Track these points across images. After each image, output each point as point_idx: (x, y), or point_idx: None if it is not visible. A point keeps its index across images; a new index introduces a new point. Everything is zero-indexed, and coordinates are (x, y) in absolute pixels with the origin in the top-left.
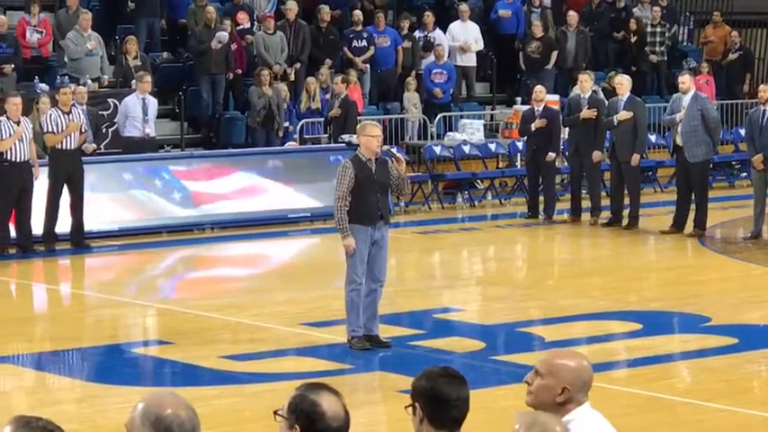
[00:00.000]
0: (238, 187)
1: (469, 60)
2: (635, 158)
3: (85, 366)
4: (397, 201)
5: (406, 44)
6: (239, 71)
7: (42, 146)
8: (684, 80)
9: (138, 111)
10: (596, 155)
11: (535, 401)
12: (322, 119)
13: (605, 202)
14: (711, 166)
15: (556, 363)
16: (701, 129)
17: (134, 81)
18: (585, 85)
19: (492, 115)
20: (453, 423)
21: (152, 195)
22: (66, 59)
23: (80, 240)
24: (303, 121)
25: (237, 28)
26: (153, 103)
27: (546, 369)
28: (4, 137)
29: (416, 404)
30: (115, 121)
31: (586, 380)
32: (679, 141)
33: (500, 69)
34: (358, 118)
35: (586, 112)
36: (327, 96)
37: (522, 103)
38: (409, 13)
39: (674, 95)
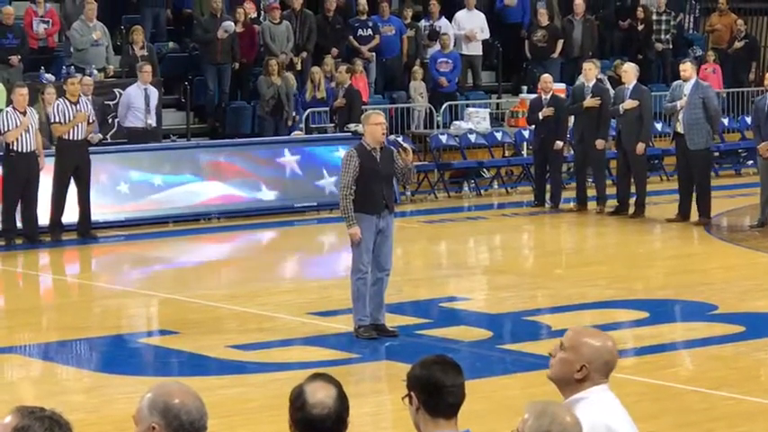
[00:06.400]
0: (244, 177)
1: (475, 49)
2: (640, 147)
3: (92, 356)
4: (404, 189)
5: (411, 33)
6: (244, 60)
7: (49, 136)
8: (686, 68)
9: (141, 101)
10: (599, 143)
11: (554, 374)
12: (327, 108)
13: (611, 190)
14: (717, 153)
15: (580, 339)
16: (702, 117)
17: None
18: (589, 73)
19: (498, 104)
20: (449, 410)
21: (158, 185)
22: (71, 50)
23: (86, 230)
24: (309, 110)
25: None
26: (155, 93)
27: (569, 343)
28: (10, 127)
29: (412, 393)
30: None
31: (608, 360)
32: (680, 129)
33: (506, 58)
34: (363, 107)
35: (589, 101)
36: (332, 85)
37: (528, 92)
38: (414, 2)
39: (675, 83)
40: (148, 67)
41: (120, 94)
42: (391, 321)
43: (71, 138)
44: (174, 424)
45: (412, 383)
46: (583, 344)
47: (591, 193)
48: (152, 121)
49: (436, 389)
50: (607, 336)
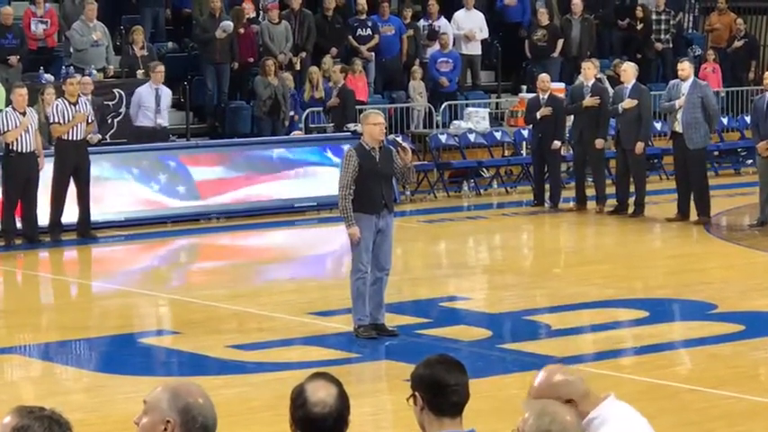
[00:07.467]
0: (244, 177)
1: (474, 49)
2: (639, 146)
3: (93, 356)
4: (403, 189)
5: (410, 33)
6: (251, 59)
7: (48, 137)
8: (684, 67)
9: (152, 101)
10: (599, 142)
11: None
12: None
13: (611, 190)
14: (717, 153)
15: (547, 393)
16: (701, 116)
17: (140, 71)
18: (588, 72)
19: (497, 103)
20: (453, 409)
21: (158, 185)
22: (71, 50)
23: (86, 231)
24: (308, 110)
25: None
26: (166, 93)
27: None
28: (9, 128)
29: (416, 393)
30: (120, 111)
31: (585, 389)
32: (678, 128)
33: (505, 58)
34: (357, 107)
35: (589, 100)
36: (330, 85)
37: (528, 92)
38: (413, 2)
39: (672, 82)
40: (161, 68)
41: (120, 95)
42: (391, 321)
43: (70, 138)
44: (190, 425)
45: (416, 383)
46: (553, 390)
47: (590, 192)
48: (162, 121)
49: (440, 388)
50: (558, 368)
